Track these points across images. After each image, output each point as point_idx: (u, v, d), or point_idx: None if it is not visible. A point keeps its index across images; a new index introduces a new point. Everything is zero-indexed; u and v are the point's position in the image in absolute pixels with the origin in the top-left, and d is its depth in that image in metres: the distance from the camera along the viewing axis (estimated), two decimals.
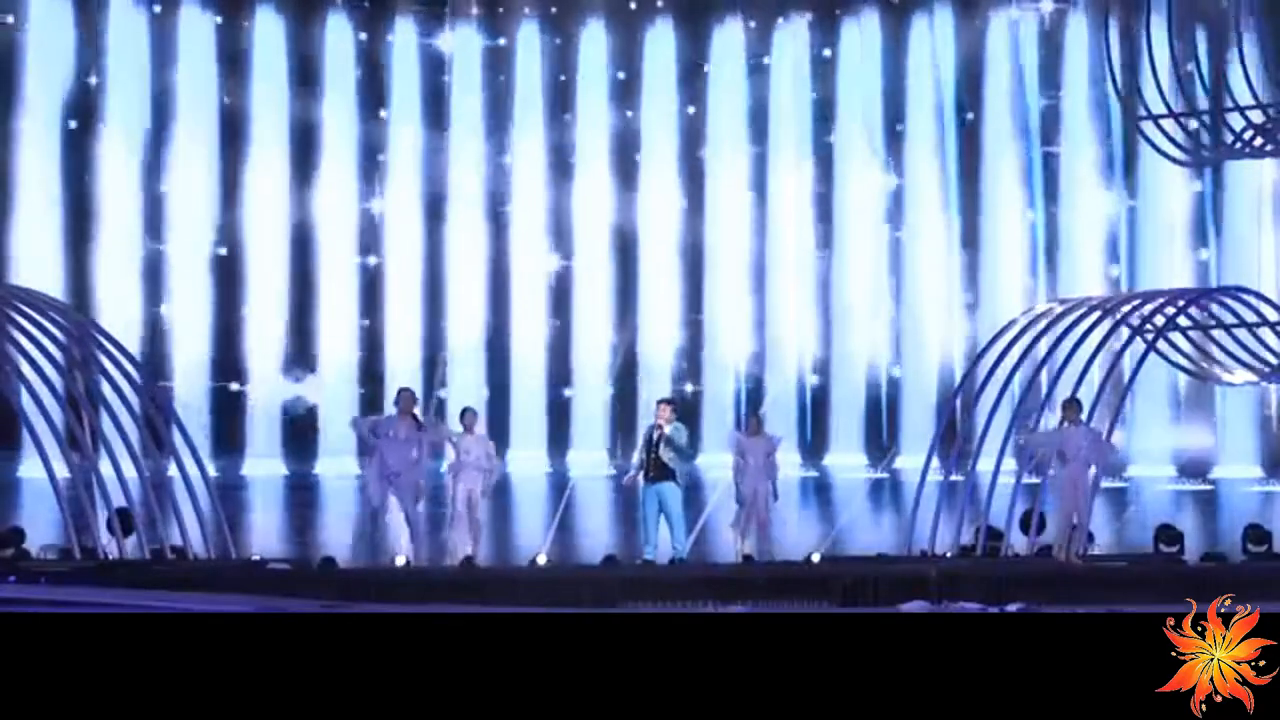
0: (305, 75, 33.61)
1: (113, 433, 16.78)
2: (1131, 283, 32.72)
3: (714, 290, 34.32)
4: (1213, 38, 22.16)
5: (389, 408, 18.94)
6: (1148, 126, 21.16)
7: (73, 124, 32.30)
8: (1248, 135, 20.66)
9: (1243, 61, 20.19)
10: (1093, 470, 17.04)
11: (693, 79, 34.53)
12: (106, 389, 17.04)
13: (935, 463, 18.18)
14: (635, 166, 34.51)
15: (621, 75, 34.54)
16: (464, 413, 17.98)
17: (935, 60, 34.29)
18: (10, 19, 31.81)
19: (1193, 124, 21.13)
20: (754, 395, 33.15)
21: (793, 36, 34.51)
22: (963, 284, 34.24)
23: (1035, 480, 17.65)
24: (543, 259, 34.19)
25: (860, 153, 34.30)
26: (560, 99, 34.42)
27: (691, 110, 34.58)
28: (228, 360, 32.97)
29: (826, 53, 34.61)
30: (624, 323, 33.64)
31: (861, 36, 34.55)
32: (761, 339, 34.16)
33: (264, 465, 32.15)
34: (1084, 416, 17.13)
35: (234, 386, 33.02)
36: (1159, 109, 21.17)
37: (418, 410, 17.54)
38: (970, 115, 34.41)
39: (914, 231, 34.41)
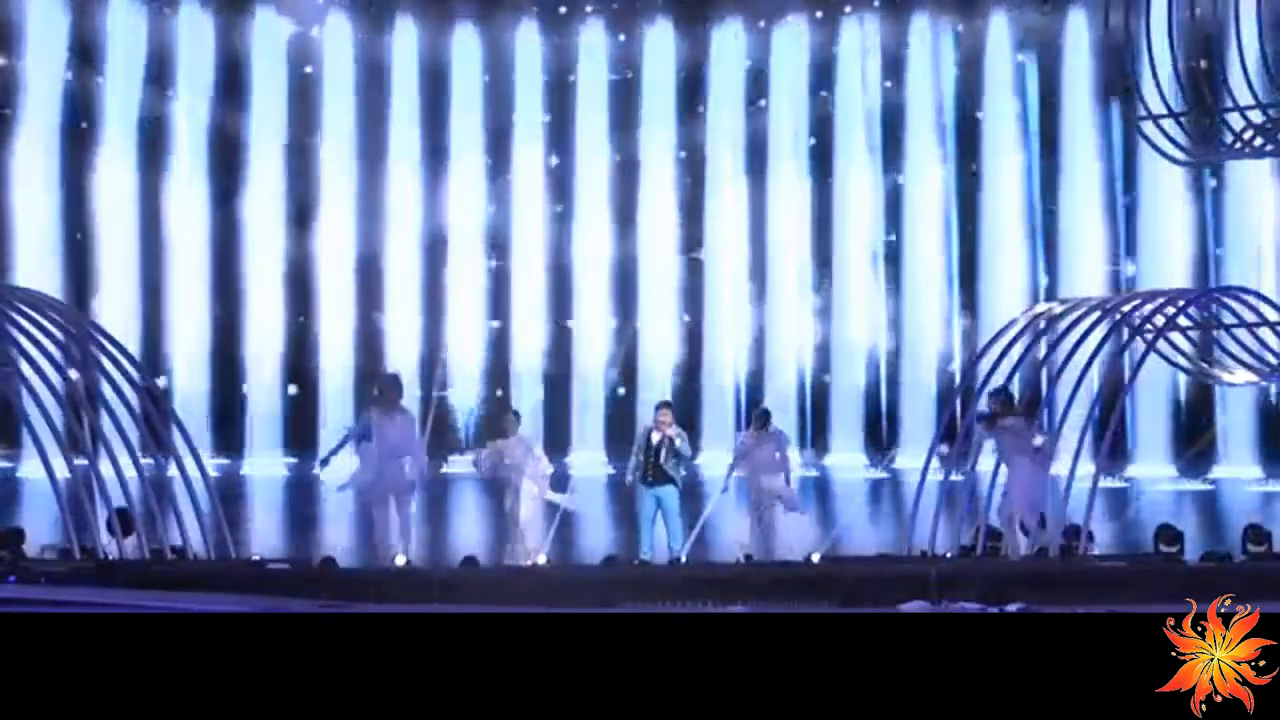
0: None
1: (113, 432, 16.74)
2: None
3: (713, 290, 34.25)
4: (1213, 37, 22.07)
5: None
6: (1147, 126, 21.12)
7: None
8: (1248, 135, 20.60)
9: (1243, 62, 20.13)
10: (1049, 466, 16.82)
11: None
12: (107, 388, 17.01)
13: (935, 463, 18.16)
14: (633, 171, 34.45)
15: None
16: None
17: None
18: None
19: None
20: (753, 393, 33.07)
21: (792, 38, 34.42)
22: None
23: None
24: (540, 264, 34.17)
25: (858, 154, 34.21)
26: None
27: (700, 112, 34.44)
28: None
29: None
30: (624, 324, 33.59)
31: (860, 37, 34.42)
32: (758, 337, 34.11)
33: None
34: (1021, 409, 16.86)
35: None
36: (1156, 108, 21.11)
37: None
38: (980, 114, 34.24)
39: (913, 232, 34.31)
